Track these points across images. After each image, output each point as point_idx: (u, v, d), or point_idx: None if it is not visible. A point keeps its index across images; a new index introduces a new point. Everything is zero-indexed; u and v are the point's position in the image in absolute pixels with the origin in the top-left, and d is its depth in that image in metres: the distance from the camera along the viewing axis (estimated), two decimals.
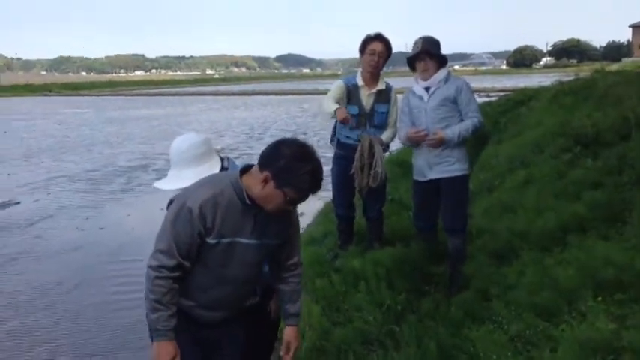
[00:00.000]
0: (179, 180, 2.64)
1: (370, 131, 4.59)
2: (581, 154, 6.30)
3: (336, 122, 4.73)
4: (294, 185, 2.01)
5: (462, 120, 4.15)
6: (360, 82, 4.60)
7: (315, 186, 2.06)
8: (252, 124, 22.41)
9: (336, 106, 4.43)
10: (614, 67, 34.90)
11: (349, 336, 3.61)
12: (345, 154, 4.67)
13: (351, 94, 4.60)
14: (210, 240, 2.09)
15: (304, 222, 7.40)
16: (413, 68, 4.28)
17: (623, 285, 3.30)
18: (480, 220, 5.32)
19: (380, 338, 3.64)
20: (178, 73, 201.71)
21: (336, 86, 4.65)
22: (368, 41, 4.56)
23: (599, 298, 3.23)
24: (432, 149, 4.16)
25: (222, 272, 2.19)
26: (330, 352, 3.53)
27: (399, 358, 3.26)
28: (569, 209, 4.71)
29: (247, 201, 2.09)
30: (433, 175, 4.23)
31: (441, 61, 4.19)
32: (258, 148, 12.43)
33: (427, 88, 4.17)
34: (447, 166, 4.18)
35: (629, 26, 66.39)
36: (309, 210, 7.76)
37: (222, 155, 2.87)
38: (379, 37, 4.57)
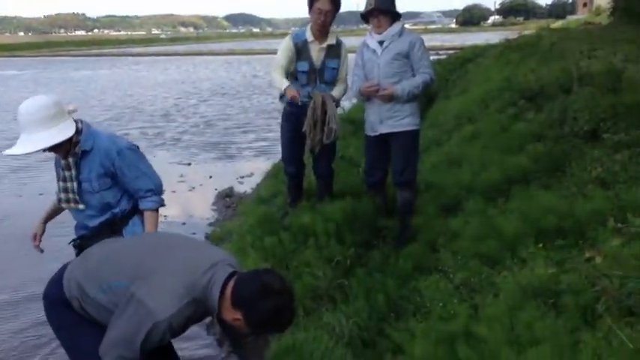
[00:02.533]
0: (30, 143, 2.54)
1: (321, 87, 4.46)
2: (525, 108, 6.41)
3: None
4: (267, 332, 2.14)
5: (414, 75, 4.14)
6: (309, 37, 4.43)
7: (286, 328, 2.14)
8: (199, 86, 21.84)
9: (285, 83, 4.31)
10: (559, 24, 35.55)
11: (298, 291, 3.60)
12: (294, 110, 4.51)
13: (300, 51, 4.43)
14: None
15: (253, 182, 7.36)
16: (367, 22, 4.26)
17: (563, 231, 3.39)
18: (428, 174, 5.37)
19: (329, 292, 3.67)
20: (122, 33, 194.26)
21: (284, 47, 4.47)
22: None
23: (540, 245, 3.31)
24: (384, 104, 4.15)
25: None
26: None
27: (348, 310, 3.28)
28: (513, 161, 4.80)
29: (217, 321, 2.13)
30: (384, 130, 4.23)
31: (395, 16, 4.17)
32: (203, 110, 12.07)
33: (381, 42, 4.15)
34: (397, 120, 4.18)
35: None
36: (258, 170, 7.70)
37: (75, 118, 2.77)
38: None
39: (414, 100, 4.23)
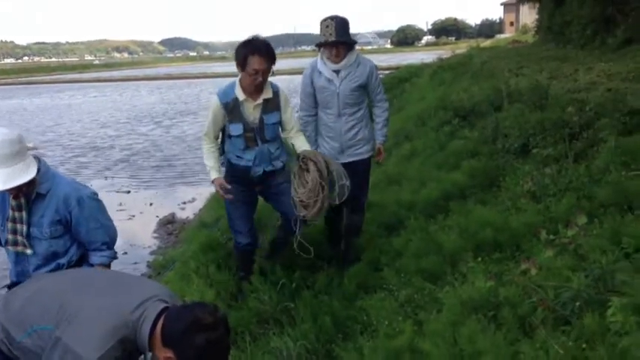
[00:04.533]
0: None
1: (264, 148, 3.79)
2: (459, 126, 6.64)
3: (223, 138, 3.93)
4: None
5: (370, 102, 4.17)
6: (240, 95, 3.71)
7: None
8: (136, 112, 21.44)
9: (215, 173, 3.80)
10: (488, 43, 37.05)
11: (245, 317, 3.60)
12: (238, 175, 3.88)
13: (231, 112, 3.73)
14: None
15: (196, 207, 7.27)
16: (319, 48, 4.08)
17: (500, 245, 3.52)
18: (369, 194, 5.45)
19: (275, 316, 3.65)
20: (54, 59, 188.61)
21: (212, 111, 3.80)
22: (247, 56, 3.60)
23: (479, 259, 3.41)
24: (345, 132, 4.10)
25: None
26: None
27: (295, 334, 3.28)
28: (450, 178, 4.96)
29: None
30: (345, 159, 4.12)
31: (353, 44, 4.08)
32: (143, 136, 11.82)
33: (337, 71, 4.02)
34: (358, 149, 4.17)
35: (501, 4, 70.92)
36: (200, 195, 7.61)
37: (34, 154, 2.62)
38: (259, 51, 3.59)
39: (370, 127, 4.24)
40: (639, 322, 2.08)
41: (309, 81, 4.11)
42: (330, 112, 4.10)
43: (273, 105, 3.79)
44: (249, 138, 3.77)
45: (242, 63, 3.63)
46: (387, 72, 24.03)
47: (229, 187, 3.73)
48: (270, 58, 3.65)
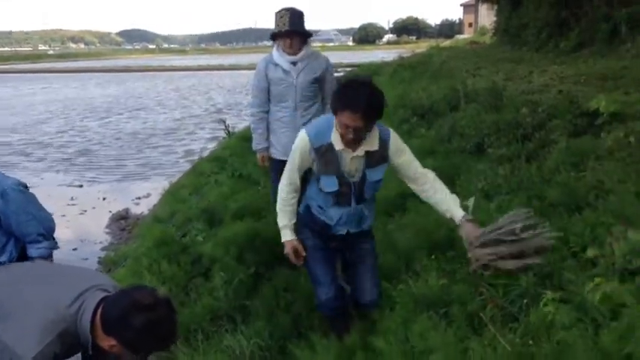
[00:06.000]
0: None
1: (357, 209, 2.82)
2: (418, 124, 6.71)
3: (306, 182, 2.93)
4: (149, 351, 1.97)
5: (323, 99, 4.04)
6: (337, 144, 2.65)
7: (170, 342, 2.03)
8: (91, 104, 20.94)
9: (289, 234, 2.90)
10: (448, 43, 37.63)
11: (198, 314, 3.54)
12: (314, 228, 2.92)
13: (324, 158, 2.70)
14: None
15: (151, 202, 7.14)
16: (274, 40, 3.98)
17: (453, 243, 3.56)
18: None
19: (230, 314, 3.61)
20: (6, 49, 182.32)
21: (299, 153, 2.76)
22: (337, 108, 2.56)
23: (433, 257, 3.46)
24: (299, 127, 3.99)
25: None
26: (179, 332, 3.43)
27: (248, 332, 3.25)
28: None
29: (90, 352, 1.94)
30: None
31: (307, 36, 3.98)
32: (97, 129, 11.51)
33: (294, 63, 3.91)
34: None
35: (460, 5, 72.07)
36: (155, 190, 7.47)
37: None
38: (352, 107, 2.48)
39: None
40: (576, 315, 2.13)
41: (264, 75, 4.00)
42: (286, 106, 4.01)
43: (379, 157, 2.71)
44: (343, 194, 2.76)
45: (333, 107, 2.61)
46: (348, 69, 24.14)
47: (304, 253, 2.91)
48: (371, 116, 2.53)
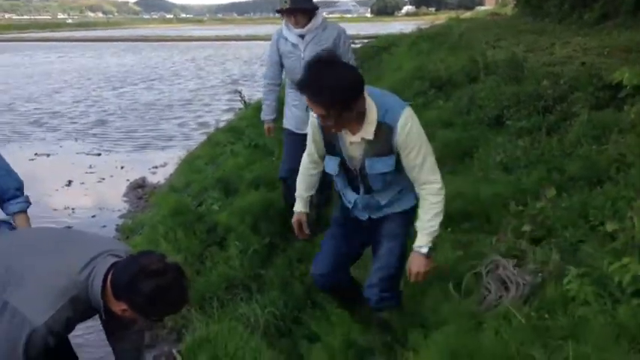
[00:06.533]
0: None
1: (370, 199, 2.53)
2: (435, 96, 6.62)
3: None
4: (160, 315, 2.02)
5: None
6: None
7: (181, 307, 2.03)
8: (109, 74, 20.95)
9: (300, 205, 2.75)
10: (468, 14, 36.95)
11: (213, 283, 3.57)
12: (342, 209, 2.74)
13: (328, 138, 2.49)
14: None
15: (167, 172, 7.16)
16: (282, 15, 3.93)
17: (469, 215, 3.54)
18: None
19: (245, 283, 3.63)
20: (25, 17, 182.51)
21: (311, 129, 2.57)
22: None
23: (449, 229, 3.43)
24: None
25: None
26: (194, 299, 3.47)
27: (263, 300, 3.27)
28: None
29: (103, 316, 2.00)
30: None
31: (313, 10, 3.89)
32: (114, 99, 11.47)
33: (302, 36, 3.86)
34: None
35: None
36: (172, 159, 7.49)
37: None
38: (304, 91, 2.24)
39: None
40: (594, 290, 2.10)
41: (276, 49, 3.98)
42: (296, 79, 3.98)
43: (383, 146, 2.33)
44: (351, 179, 2.54)
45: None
46: (365, 41, 23.84)
47: (308, 231, 2.74)
48: (327, 103, 2.17)
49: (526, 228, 2.85)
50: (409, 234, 2.50)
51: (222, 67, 21.60)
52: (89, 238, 2.33)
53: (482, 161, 4.29)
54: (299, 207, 2.74)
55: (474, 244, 3.15)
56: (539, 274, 2.46)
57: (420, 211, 2.38)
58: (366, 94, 2.24)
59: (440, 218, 2.38)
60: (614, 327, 1.95)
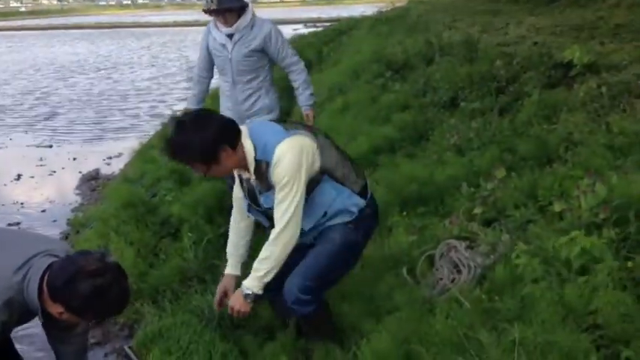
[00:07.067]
0: None
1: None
2: (392, 79, 6.59)
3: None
4: (101, 317, 1.99)
5: (272, 66, 3.87)
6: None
7: (122, 307, 1.96)
8: (61, 63, 20.29)
9: (228, 268, 2.68)
10: None
11: (166, 276, 3.49)
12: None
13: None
14: None
15: (122, 162, 6.99)
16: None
17: (424, 199, 3.53)
18: None
19: (199, 274, 3.56)
20: None
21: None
22: None
23: (404, 213, 3.42)
24: (242, 102, 3.84)
25: None
26: (147, 293, 3.40)
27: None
28: (381, 131, 4.92)
29: (42, 319, 1.91)
30: None
31: (242, 8, 3.68)
32: (67, 89, 11.09)
33: (230, 35, 3.70)
34: (259, 118, 3.80)
35: None
36: (127, 150, 7.30)
37: None
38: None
39: (274, 93, 3.95)
40: (543, 266, 2.11)
41: (205, 44, 3.87)
42: (226, 80, 3.87)
43: (266, 182, 2.29)
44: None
45: None
46: (327, 24, 23.71)
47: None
48: (183, 162, 2.31)
49: (477, 210, 2.86)
50: (348, 243, 2.33)
51: (180, 54, 21.16)
52: (26, 237, 2.26)
53: (437, 144, 4.29)
54: (228, 268, 2.58)
55: (429, 228, 3.14)
56: (491, 256, 2.47)
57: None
58: (244, 137, 2.22)
59: (270, 265, 2.28)
60: (561, 307, 1.96)
